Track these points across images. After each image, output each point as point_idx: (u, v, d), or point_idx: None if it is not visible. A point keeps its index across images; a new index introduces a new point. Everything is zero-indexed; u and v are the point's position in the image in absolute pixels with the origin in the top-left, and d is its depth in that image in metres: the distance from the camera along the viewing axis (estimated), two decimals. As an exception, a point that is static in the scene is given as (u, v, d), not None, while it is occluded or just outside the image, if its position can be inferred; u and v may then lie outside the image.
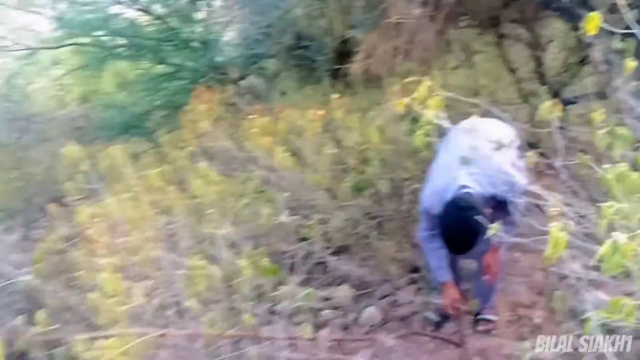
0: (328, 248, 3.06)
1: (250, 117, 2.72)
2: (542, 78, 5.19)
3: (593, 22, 1.53)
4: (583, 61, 4.76)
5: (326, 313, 3.59)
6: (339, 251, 3.43)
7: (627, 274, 2.14)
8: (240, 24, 5.40)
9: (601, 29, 3.94)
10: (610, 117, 2.06)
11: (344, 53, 3.99)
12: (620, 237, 1.19)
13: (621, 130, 1.90)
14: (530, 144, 2.58)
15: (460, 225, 2.26)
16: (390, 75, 3.77)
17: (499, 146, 2.17)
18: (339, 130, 3.04)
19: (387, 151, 3.09)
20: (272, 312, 3.36)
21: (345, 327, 3.42)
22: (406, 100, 2.04)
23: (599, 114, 2.01)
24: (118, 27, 5.68)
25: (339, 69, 4.39)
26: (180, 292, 2.17)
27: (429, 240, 2.66)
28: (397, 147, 3.07)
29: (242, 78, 5.53)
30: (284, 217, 2.44)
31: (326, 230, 2.92)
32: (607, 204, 1.45)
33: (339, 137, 3.03)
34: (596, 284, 3.40)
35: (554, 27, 4.94)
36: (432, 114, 1.95)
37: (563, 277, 3.53)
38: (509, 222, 2.38)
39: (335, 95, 2.82)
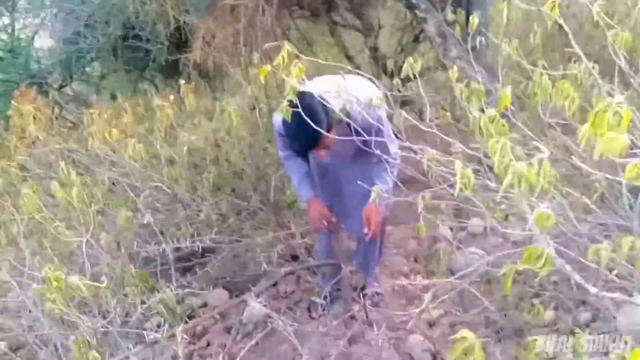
0: (197, 249, 2.80)
1: (90, 111, 2.37)
2: (377, 62, 5.38)
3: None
4: (418, 39, 5.01)
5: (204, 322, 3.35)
6: (209, 251, 3.17)
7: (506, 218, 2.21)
8: (55, 25, 4.85)
9: (431, 4, 4.14)
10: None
11: (182, 42, 3.73)
12: (522, 165, 1.14)
13: (474, 85, 1.97)
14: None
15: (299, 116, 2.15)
16: (232, 65, 3.62)
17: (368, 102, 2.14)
18: (191, 120, 2.80)
19: (246, 139, 2.91)
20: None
21: (228, 330, 3.20)
22: (268, 67, 1.94)
23: (453, 72, 2.09)
24: None
25: (177, 60, 4.12)
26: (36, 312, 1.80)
27: (287, 159, 2.63)
28: (255, 134, 2.91)
29: (63, 85, 4.98)
30: (147, 218, 2.14)
31: (195, 228, 2.66)
32: (493, 140, 1.45)
33: (193, 126, 2.80)
34: (467, 242, 3.59)
35: (385, 9, 5.14)
36: (294, 80, 1.87)
37: (434, 242, 3.69)
38: (380, 172, 2.43)
39: (183, 81, 2.57)
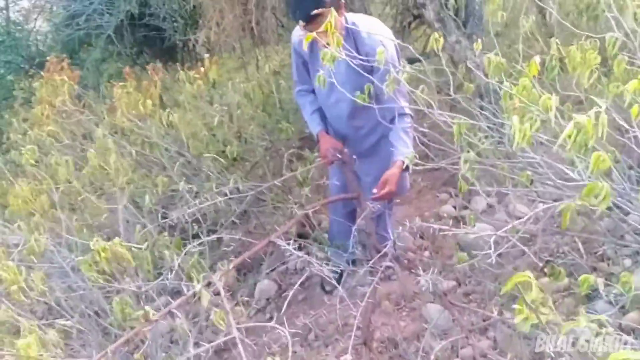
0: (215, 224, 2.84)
1: (120, 84, 2.39)
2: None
3: None
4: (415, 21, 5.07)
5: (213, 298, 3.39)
6: (221, 227, 3.21)
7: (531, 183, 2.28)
8: (53, 8, 4.81)
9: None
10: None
11: (191, 23, 3.75)
12: (582, 117, 1.21)
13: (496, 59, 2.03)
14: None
15: None
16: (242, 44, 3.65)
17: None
18: (214, 93, 2.83)
19: (259, 116, 2.96)
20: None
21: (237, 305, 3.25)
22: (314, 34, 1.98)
23: (478, 44, 2.17)
24: None
25: (174, 45, 4.12)
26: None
27: (301, 95, 2.70)
28: (273, 109, 2.96)
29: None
30: (182, 185, 2.17)
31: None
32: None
33: (214, 101, 2.83)
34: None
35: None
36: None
37: (438, 219, 3.78)
38: (399, 132, 2.45)
39: (206, 55, 2.60)
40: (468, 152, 2.08)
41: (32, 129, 2.39)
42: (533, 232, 2.91)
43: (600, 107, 1.21)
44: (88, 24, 4.14)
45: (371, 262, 2.35)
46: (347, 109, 2.58)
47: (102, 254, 1.78)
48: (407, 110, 2.48)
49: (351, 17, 2.42)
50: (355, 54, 2.04)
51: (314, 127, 2.71)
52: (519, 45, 2.10)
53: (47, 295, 1.84)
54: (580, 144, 1.21)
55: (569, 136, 1.21)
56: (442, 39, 2.14)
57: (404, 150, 2.41)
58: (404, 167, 2.40)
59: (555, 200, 1.83)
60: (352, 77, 2.25)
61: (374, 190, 2.47)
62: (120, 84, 2.39)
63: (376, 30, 2.36)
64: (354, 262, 3.12)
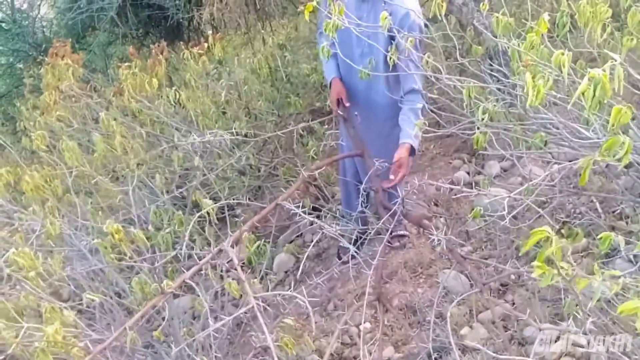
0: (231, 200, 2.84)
1: (125, 64, 2.38)
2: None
3: None
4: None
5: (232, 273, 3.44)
6: (237, 203, 3.23)
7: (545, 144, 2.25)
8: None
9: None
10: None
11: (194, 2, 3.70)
12: (597, 71, 1.17)
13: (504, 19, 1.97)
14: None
15: None
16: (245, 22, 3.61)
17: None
18: (219, 70, 2.82)
19: (270, 90, 2.94)
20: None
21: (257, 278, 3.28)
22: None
23: (485, 4, 2.13)
24: None
25: (179, 24, 4.08)
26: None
27: (322, 36, 2.57)
28: (281, 83, 2.94)
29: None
30: (197, 160, 2.18)
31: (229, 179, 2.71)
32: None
33: (220, 76, 2.82)
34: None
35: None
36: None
37: (451, 187, 3.76)
38: (408, 113, 2.45)
39: (209, 32, 2.58)
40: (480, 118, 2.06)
41: (41, 115, 2.40)
42: (549, 194, 2.89)
43: (615, 60, 1.17)
44: (91, 6, 4.11)
45: (381, 221, 2.32)
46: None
47: (117, 236, 1.79)
48: (419, 87, 2.45)
49: None
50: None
51: (329, 72, 2.67)
52: (527, 5, 2.05)
53: (66, 279, 1.87)
54: (596, 100, 1.18)
55: (584, 92, 1.18)
56: (444, 4, 2.09)
57: (411, 132, 2.39)
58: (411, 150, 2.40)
59: (570, 161, 1.81)
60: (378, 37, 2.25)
61: (391, 177, 2.46)
62: (126, 64, 2.38)
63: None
64: (365, 224, 3.13)
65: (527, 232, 2.78)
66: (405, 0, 2.35)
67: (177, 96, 2.25)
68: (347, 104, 2.66)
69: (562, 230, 2.29)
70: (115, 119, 2.02)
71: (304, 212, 2.33)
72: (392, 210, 2.26)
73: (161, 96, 2.40)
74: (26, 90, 3.34)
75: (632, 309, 1.02)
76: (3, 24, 4.99)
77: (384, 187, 2.47)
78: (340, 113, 2.66)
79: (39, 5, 5.04)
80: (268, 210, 2.09)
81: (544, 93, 1.23)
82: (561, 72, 1.37)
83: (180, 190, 2.33)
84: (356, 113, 2.70)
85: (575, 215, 2.76)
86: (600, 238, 1.26)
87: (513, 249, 2.69)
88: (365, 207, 3.09)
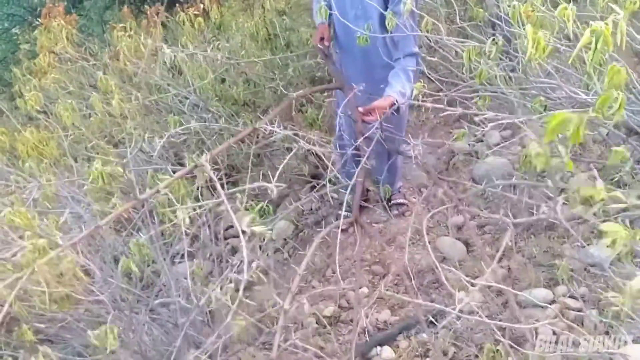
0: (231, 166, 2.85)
1: (119, 26, 2.35)
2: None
3: None
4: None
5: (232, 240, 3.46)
6: (236, 170, 3.23)
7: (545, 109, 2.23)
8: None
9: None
10: None
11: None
12: (600, 24, 1.15)
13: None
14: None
15: None
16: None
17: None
18: (216, 34, 2.78)
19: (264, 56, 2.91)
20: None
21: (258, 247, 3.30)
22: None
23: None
24: None
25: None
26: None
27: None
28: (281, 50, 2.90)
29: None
30: (193, 123, 2.16)
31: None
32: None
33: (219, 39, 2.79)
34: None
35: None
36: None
37: (451, 157, 3.76)
38: (399, 72, 2.41)
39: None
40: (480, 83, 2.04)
41: (36, 78, 2.38)
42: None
43: (618, 13, 1.16)
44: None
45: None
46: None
47: (103, 178, 1.78)
48: (415, 51, 2.43)
49: None
50: None
51: (318, 18, 2.63)
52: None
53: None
54: (598, 54, 1.17)
55: (586, 47, 1.17)
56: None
57: (398, 87, 2.36)
58: (395, 106, 2.34)
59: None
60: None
61: (360, 109, 2.35)
62: (120, 25, 2.35)
63: None
64: (367, 199, 3.15)
65: (524, 201, 2.79)
66: None
67: (173, 59, 2.23)
68: (327, 43, 2.62)
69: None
70: (111, 81, 2.00)
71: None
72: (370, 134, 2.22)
73: (157, 60, 2.38)
74: (21, 54, 3.31)
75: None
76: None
77: (361, 112, 2.36)
78: (320, 47, 2.62)
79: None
80: (245, 134, 2.03)
81: (544, 45, 1.21)
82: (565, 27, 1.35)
83: (178, 156, 2.33)
84: (337, 51, 2.71)
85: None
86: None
87: (511, 217, 2.69)
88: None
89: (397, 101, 2.34)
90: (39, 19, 4.27)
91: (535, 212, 2.69)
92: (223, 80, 2.75)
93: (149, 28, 2.33)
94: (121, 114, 2.05)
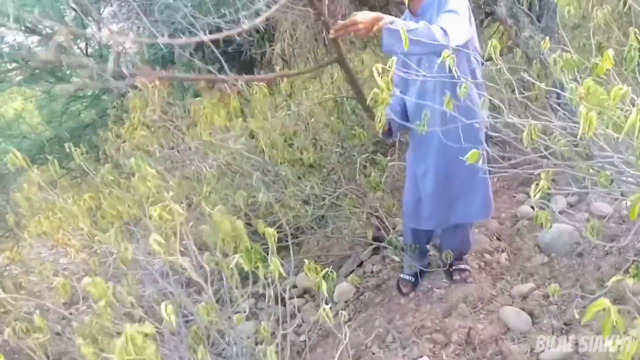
0: (293, 229, 2.94)
1: (197, 99, 2.56)
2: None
3: None
4: (487, 19, 5.01)
5: (295, 301, 3.53)
6: (301, 232, 3.33)
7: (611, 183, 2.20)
8: (141, 30, 5.15)
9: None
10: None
11: (268, 35, 3.90)
12: None
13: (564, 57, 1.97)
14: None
15: None
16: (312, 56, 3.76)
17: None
18: (284, 105, 2.96)
19: (336, 122, 3.05)
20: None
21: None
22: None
23: (546, 42, 2.14)
24: (6, 51, 5.22)
25: (252, 57, 4.28)
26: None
27: None
28: (346, 115, 3.04)
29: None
30: (261, 194, 2.29)
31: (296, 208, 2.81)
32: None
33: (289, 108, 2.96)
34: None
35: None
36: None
37: (515, 222, 3.71)
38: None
39: (278, 67, 2.74)
40: (542, 155, 2.06)
41: (125, 140, 2.59)
42: (616, 231, 2.81)
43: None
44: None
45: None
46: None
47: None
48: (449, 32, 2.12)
49: None
50: None
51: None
52: (597, 37, 2.04)
53: (133, 305, 2.01)
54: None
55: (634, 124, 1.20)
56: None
57: (405, 22, 2.15)
58: (384, 23, 2.03)
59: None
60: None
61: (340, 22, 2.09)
62: (197, 99, 2.55)
63: None
64: (424, 256, 3.15)
65: (593, 271, 2.72)
66: None
67: (246, 127, 2.39)
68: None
69: (630, 270, 2.23)
70: (190, 148, 2.17)
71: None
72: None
73: (233, 128, 2.55)
74: (110, 120, 3.60)
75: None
76: (92, 58, 5.41)
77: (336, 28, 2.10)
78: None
79: (124, 41, 5.42)
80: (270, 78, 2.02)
81: (595, 124, 1.25)
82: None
83: (249, 218, 2.45)
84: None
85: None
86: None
87: (578, 287, 2.63)
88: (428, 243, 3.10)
89: (389, 24, 2.02)
90: (125, 86, 4.65)
91: (603, 284, 2.63)
92: (291, 144, 2.89)
93: (228, 101, 2.52)
94: (198, 177, 2.20)
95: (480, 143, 2.54)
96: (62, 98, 5.32)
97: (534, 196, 1.66)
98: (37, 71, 5.24)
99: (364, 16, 2.01)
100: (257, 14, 3.79)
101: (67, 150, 2.69)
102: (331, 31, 2.11)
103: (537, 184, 1.66)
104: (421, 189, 2.78)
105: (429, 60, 2.41)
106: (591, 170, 2.06)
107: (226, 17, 3.83)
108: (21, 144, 5.32)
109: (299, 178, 2.73)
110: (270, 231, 2.10)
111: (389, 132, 2.64)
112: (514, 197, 3.88)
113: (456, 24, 2.16)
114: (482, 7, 4.95)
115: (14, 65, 5.41)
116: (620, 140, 1.81)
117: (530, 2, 3.88)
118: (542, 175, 2.02)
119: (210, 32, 4.26)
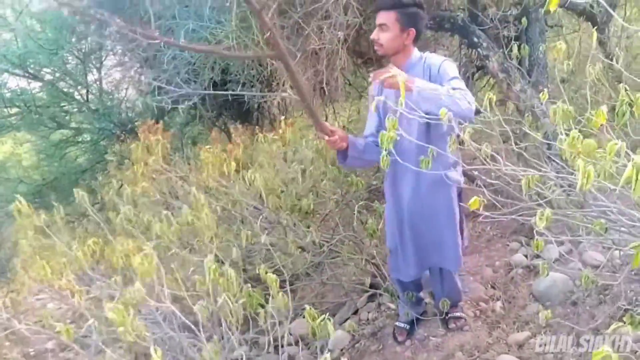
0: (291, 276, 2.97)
1: (206, 147, 2.63)
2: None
3: None
4: (478, 72, 5.19)
5: (289, 349, 3.49)
6: (297, 279, 3.35)
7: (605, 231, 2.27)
8: (142, 79, 5.28)
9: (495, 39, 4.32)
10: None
11: (268, 86, 4.01)
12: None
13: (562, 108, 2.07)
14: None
15: None
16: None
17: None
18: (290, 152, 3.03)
19: (333, 170, 3.12)
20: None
21: (314, 357, 3.33)
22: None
23: (545, 94, 2.24)
24: (7, 97, 5.31)
25: (250, 106, 4.40)
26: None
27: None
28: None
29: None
30: (264, 238, 2.33)
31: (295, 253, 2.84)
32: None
33: (287, 158, 3.04)
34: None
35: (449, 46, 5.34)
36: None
37: (509, 270, 3.75)
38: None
39: (282, 117, 2.83)
40: (538, 203, 2.12)
41: (127, 187, 2.64)
42: (609, 280, 2.86)
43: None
44: (175, 92, 4.48)
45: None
46: (416, 130, 2.54)
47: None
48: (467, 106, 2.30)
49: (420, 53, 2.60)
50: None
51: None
52: (586, 92, 2.13)
53: (139, 342, 2.01)
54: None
55: (630, 177, 1.26)
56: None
57: (429, 84, 2.32)
58: (408, 86, 2.19)
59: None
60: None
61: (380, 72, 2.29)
62: (206, 147, 2.64)
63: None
64: (419, 303, 3.16)
65: (588, 319, 2.75)
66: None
67: (252, 177, 2.45)
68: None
69: (624, 318, 2.27)
70: (195, 195, 2.22)
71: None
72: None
73: (237, 176, 2.61)
74: (110, 165, 3.66)
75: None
76: (91, 104, 5.52)
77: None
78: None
79: (126, 88, 5.57)
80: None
81: (592, 178, 1.31)
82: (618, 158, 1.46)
83: (247, 264, 2.48)
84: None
85: (637, 302, 2.71)
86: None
87: (573, 336, 2.66)
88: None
89: (414, 87, 2.22)
90: (126, 133, 4.75)
91: (599, 332, 2.66)
92: (285, 191, 2.96)
93: (232, 150, 2.59)
94: (200, 224, 2.24)
95: (452, 200, 2.67)
96: (61, 143, 5.38)
97: (536, 248, 1.71)
98: (38, 116, 5.32)
99: (400, 73, 2.23)
100: (259, 63, 3.94)
101: (65, 194, 2.73)
102: (372, 74, 2.34)
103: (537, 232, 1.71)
104: (397, 238, 2.86)
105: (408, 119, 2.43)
106: (585, 220, 2.13)
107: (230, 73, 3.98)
108: (16, 188, 5.34)
109: (295, 224, 2.78)
110: (273, 277, 2.14)
111: (344, 152, 2.64)
112: (508, 245, 3.94)
113: (469, 95, 2.32)
114: (474, 61, 5.15)
115: (14, 110, 5.49)
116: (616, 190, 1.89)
117: (520, 57, 4.04)
118: (538, 216, 2.08)
119: (215, 84, 4.43)
